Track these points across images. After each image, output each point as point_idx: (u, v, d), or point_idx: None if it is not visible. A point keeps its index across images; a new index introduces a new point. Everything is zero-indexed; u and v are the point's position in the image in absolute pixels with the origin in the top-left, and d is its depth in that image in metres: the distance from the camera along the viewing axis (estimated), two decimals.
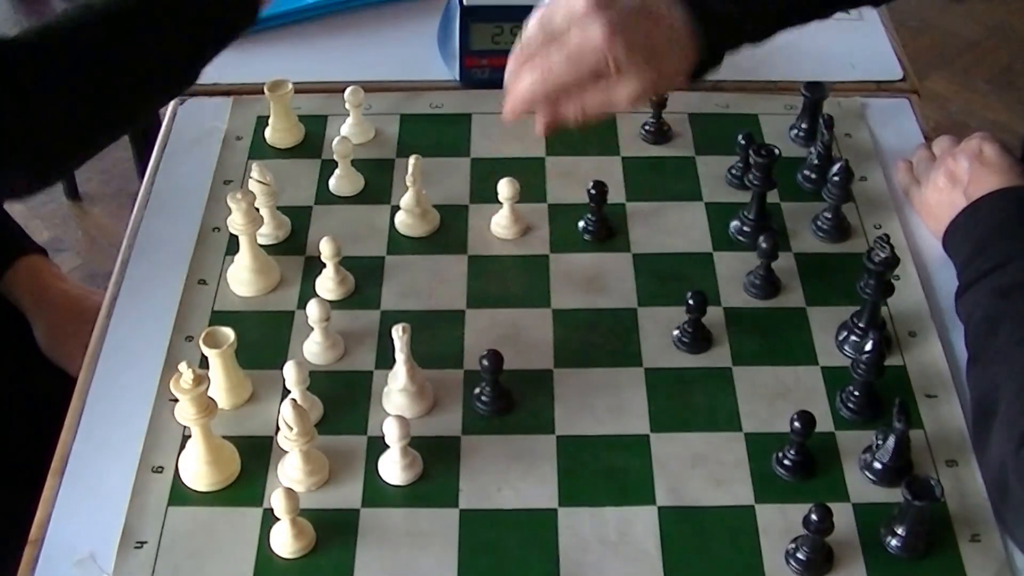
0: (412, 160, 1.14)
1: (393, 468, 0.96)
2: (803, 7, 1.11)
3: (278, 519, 0.90)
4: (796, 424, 0.94)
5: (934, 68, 3.02)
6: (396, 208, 1.19)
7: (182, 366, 0.91)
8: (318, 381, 1.01)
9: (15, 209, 1.28)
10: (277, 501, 0.89)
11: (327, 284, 1.10)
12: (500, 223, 1.17)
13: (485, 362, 0.99)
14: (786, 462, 0.97)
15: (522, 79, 1.01)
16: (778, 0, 1.08)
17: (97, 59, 1.03)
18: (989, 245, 1.04)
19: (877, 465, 0.96)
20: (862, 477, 0.96)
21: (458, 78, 1.34)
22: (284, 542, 0.91)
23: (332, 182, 1.22)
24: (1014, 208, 1.06)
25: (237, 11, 1.11)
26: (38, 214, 2.61)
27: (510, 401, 1.02)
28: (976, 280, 1.03)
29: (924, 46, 3.06)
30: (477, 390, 1.01)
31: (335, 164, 1.21)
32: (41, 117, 1.01)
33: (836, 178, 1.14)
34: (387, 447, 0.95)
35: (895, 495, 0.91)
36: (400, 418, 0.94)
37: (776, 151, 1.13)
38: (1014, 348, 0.95)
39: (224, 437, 0.98)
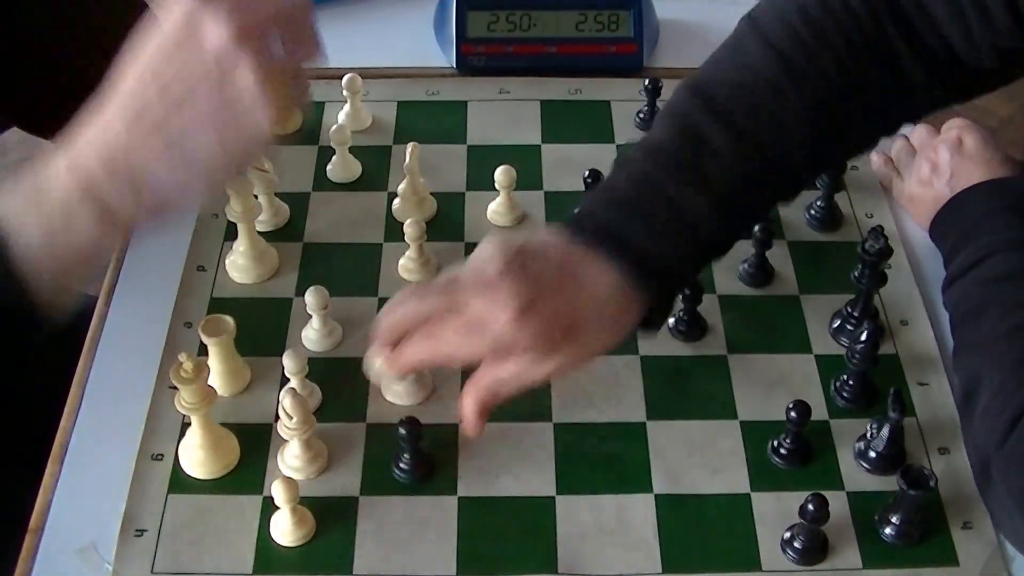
0: (410, 148, 1.14)
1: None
2: (752, 215, 0.99)
3: (278, 507, 0.91)
4: (792, 413, 0.95)
5: None
6: (393, 195, 1.19)
7: (182, 356, 0.92)
8: (317, 368, 1.01)
9: None
10: (277, 490, 0.89)
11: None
12: (497, 210, 1.18)
13: (402, 430, 0.94)
14: (782, 450, 0.97)
15: (412, 345, 0.87)
16: (723, 231, 0.92)
17: None
18: (973, 238, 1.04)
19: (871, 454, 0.97)
20: (857, 465, 0.97)
21: (455, 65, 1.35)
22: (284, 530, 0.92)
23: (330, 169, 1.22)
24: (997, 200, 1.06)
25: None
26: None
27: (430, 468, 0.97)
28: (961, 273, 1.04)
29: None
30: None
31: (333, 151, 1.21)
32: None
33: None
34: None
35: (890, 483, 0.92)
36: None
37: None
38: (996, 341, 0.96)
39: (223, 424, 0.98)
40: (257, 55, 0.78)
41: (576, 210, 0.91)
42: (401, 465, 0.96)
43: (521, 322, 0.82)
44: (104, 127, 0.80)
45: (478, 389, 0.88)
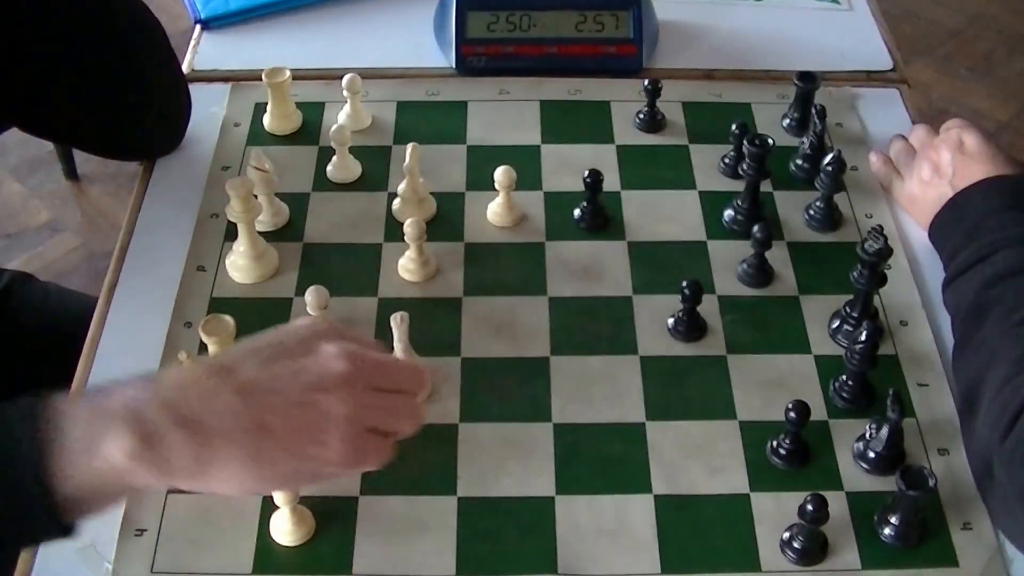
0: (410, 148, 1.14)
1: None
2: None
3: (278, 507, 0.91)
4: (791, 414, 0.95)
5: (916, 56, 3.03)
6: (393, 195, 1.19)
7: (181, 354, 0.92)
8: None
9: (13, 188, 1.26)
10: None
11: None
12: (496, 211, 1.18)
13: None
14: (781, 451, 0.98)
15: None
16: None
17: None
18: (976, 235, 1.05)
19: (871, 454, 0.97)
20: (856, 466, 0.97)
21: (454, 66, 1.35)
22: (284, 530, 0.92)
23: (330, 169, 1.22)
24: (999, 198, 1.07)
25: None
26: (37, 194, 2.61)
27: None
28: (963, 271, 1.04)
29: (907, 34, 3.07)
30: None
31: (333, 151, 1.22)
32: None
33: (829, 168, 1.14)
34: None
35: (889, 483, 0.92)
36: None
37: (770, 141, 1.13)
38: (998, 339, 0.96)
39: None
40: (352, 398, 0.77)
41: None
42: None
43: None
44: (185, 372, 0.80)
45: None
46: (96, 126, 1.18)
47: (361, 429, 0.78)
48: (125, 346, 1.06)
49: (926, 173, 1.15)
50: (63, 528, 0.76)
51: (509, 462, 0.98)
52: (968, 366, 0.98)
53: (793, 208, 1.20)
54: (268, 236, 1.14)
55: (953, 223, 1.09)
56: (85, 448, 0.74)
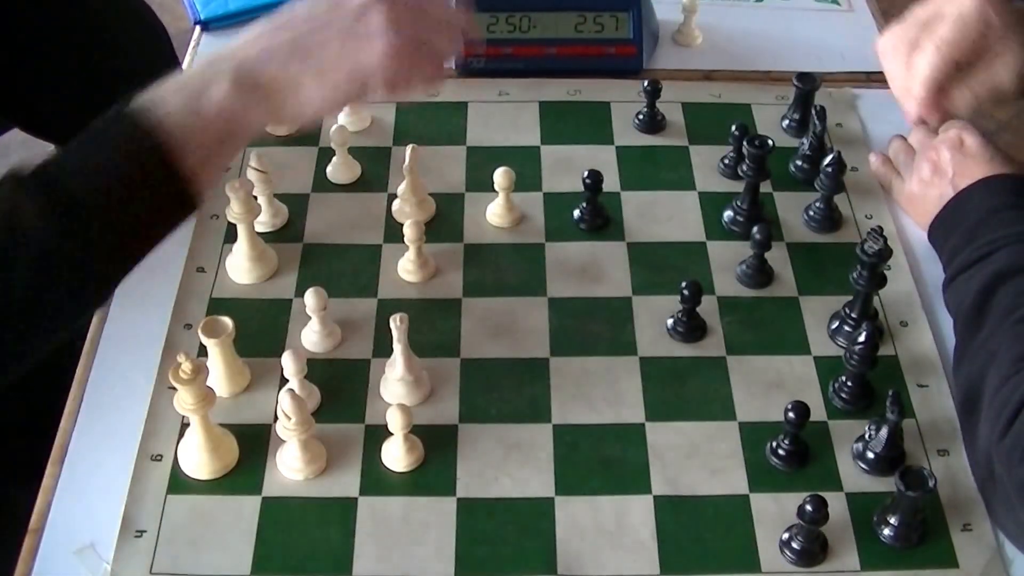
0: (409, 149, 1.14)
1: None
2: None
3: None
4: (791, 415, 0.95)
5: None
6: (393, 196, 1.19)
7: (180, 356, 0.92)
8: (316, 369, 1.02)
9: None
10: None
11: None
12: (496, 212, 1.18)
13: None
14: (780, 451, 0.98)
15: None
16: None
17: None
18: (976, 234, 1.05)
19: (870, 455, 0.97)
20: (855, 466, 0.97)
21: (454, 67, 1.35)
22: (396, 456, 0.95)
23: (329, 170, 1.22)
24: (999, 197, 1.07)
25: None
26: None
27: None
28: (963, 269, 1.04)
29: None
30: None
31: (332, 152, 1.22)
32: None
33: (829, 169, 1.14)
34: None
35: (888, 484, 0.92)
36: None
37: (770, 142, 1.13)
38: (998, 337, 0.96)
39: (222, 425, 0.98)
40: (393, 11, 0.91)
41: None
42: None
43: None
44: (249, 34, 0.91)
45: None
46: None
47: (406, 40, 0.91)
48: (125, 347, 1.06)
49: (926, 173, 1.15)
50: (193, 201, 0.86)
51: (509, 463, 0.98)
52: (969, 366, 0.98)
53: (793, 209, 1.20)
54: (267, 237, 1.14)
55: (953, 223, 1.09)
56: (193, 110, 0.85)
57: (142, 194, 0.84)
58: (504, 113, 1.31)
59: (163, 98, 0.85)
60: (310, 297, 1.02)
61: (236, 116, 0.87)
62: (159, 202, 0.85)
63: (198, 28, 1.41)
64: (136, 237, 0.85)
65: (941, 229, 1.11)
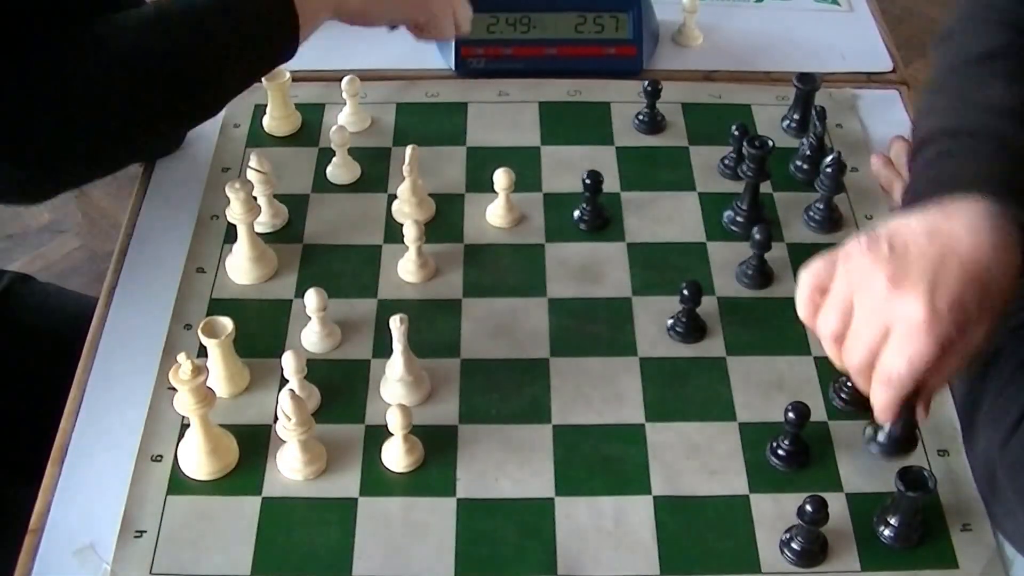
0: (409, 150, 1.14)
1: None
2: None
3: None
4: (791, 415, 0.95)
5: (918, 56, 3.04)
6: (393, 197, 1.19)
7: (180, 357, 0.92)
8: (316, 370, 1.02)
9: None
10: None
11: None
12: (496, 212, 1.18)
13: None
14: (780, 452, 0.97)
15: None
16: None
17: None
18: None
19: (881, 438, 0.92)
20: (855, 467, 0.97)
21: (454, 67, 1.35)
22: (395, 457, 0.95)
23: (329, 171, 1.22)
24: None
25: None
26: None
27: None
28: None
29: (907, 34, 3.07)
30: None
31: (332, 153, 1.22)
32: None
33: (829, 170, 1.14)
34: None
35: (888, 485, 0.92)
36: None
37: (770, 143, 1.13)
38: (999, 342, 0.95)
39: (222, 426, 0.98)
40: None
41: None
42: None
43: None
44: None
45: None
46: None
47: None
48: (125, 347, 1.06)
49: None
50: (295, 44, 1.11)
51: (509, 463, 0.98)
52: (970, 370, 0.98)
53: (793, 209, 1.20)
54: (267, 238, 1.14)
55: None
56: None
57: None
58: (504, 113, 1.31)
59: None
60: (310, 297, 1.02)
61: None
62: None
63: None
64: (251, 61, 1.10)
65: None
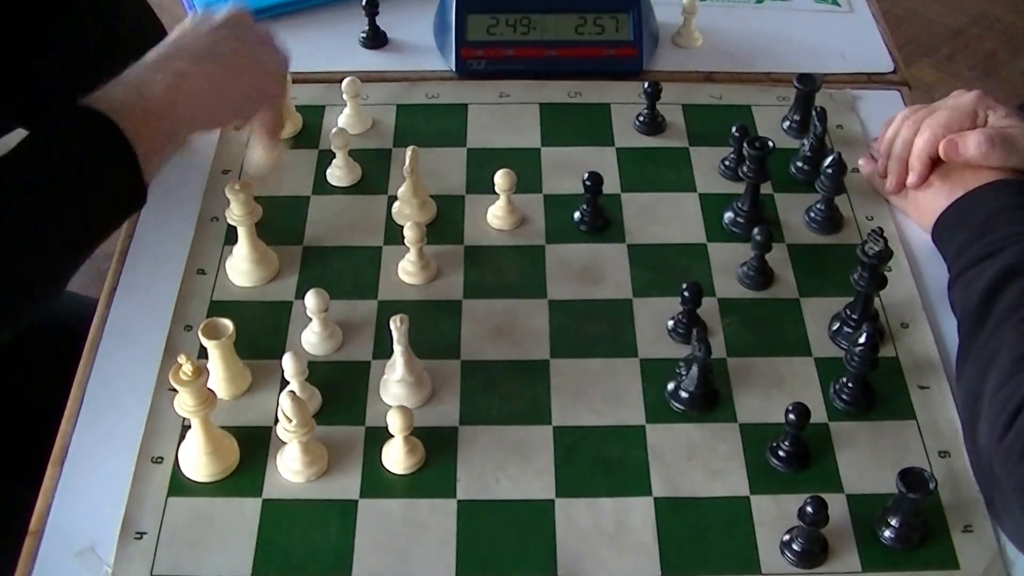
0: (410, 151, 1.14)
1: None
2: None
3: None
4: (791, 416, 0.95)
5: (918, 56, 3.04)
6: (393, 198, 1.19)
7: (181, 358, 0.92)
8: (316, 371, 1.02)
9: None
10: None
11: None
12: (496, 214, 1.18)
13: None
14: (780, 453, 0.97)
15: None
16: None
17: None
18: (985, 231, 1.04)
19: (683, 394, 1.00)
20: (856, 467, 0.97)
21: (454, 69, 1.35)
22: (396, 458, 0.95)
23: (330, 172, 1.22)
24: (1009, 196, 1.07)
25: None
26: None
27: None
28: (971, 265, 1.03)
29: (909, 34, 3.07)
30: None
31: (333, 154, 1.22)
32: None
33: (829, 170, 1.14)
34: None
35: (889, 486, 0.92)
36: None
37: (770, 144, 1.13)
38: (1001, 336, 0.96)
39: (223, 427, 0.98)
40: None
41: None
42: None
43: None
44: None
45: None
46: None
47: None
48: (125, 348, 1.06)
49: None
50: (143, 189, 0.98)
51: (509, 464, 0.98)
52: (971, 366, 0.98)
53: (793, 210, 1.20)
54: (268, 238, 1.14)
55: (961, 220, 1.09)
56: (140, 106, 0.96)
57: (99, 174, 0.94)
58: (504, 115, 1.31)
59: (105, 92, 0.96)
60: (311, 299, 1.02)
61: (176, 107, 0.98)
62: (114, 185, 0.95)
63: None
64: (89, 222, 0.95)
65: (947, 227, 1.11)
